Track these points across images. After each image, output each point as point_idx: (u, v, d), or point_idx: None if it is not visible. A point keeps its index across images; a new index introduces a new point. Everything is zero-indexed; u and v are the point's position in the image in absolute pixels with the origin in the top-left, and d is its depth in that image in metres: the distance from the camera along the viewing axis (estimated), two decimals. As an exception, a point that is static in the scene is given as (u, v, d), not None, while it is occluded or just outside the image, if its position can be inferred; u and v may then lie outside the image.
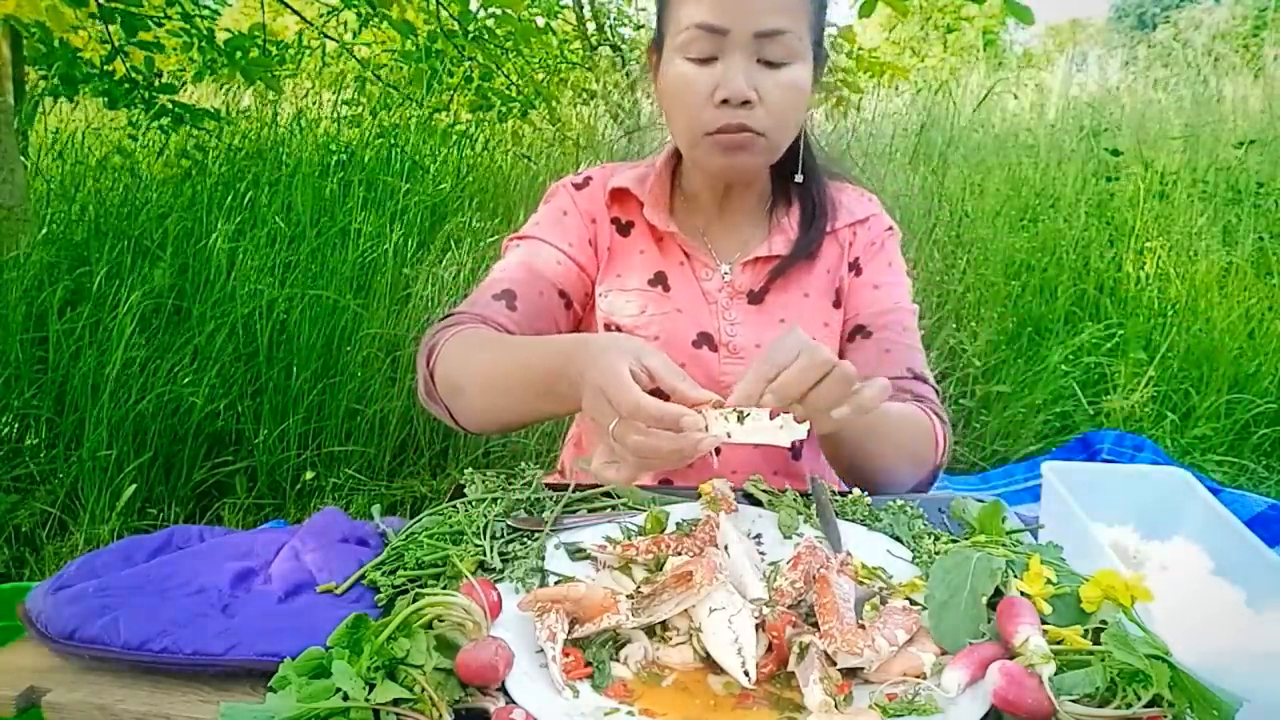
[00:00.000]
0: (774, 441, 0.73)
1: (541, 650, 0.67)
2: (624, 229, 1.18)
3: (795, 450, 1.19)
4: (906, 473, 1.05)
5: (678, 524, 0.88)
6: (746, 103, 0.99)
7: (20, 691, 0.69)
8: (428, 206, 3.48)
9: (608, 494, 0.94)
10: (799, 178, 1.13)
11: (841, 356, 1.15)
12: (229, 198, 3.08)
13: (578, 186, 1.20)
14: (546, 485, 0.96)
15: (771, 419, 0.72)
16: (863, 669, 0.67)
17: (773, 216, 1.18)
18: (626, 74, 5.16)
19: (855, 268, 1.18)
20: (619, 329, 1.15)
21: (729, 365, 1.13)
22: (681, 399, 0.73)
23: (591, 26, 5.51)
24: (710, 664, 0.70)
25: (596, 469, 0.73)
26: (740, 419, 0.72)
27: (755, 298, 1.15)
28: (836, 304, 1.17)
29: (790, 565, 0.77)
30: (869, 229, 1.20)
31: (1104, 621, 0.68)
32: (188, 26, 3.81)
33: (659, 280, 1.15)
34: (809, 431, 0.76)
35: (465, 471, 0.97)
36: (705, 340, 1.13)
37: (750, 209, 1.17)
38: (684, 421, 0.68)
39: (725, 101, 0.99)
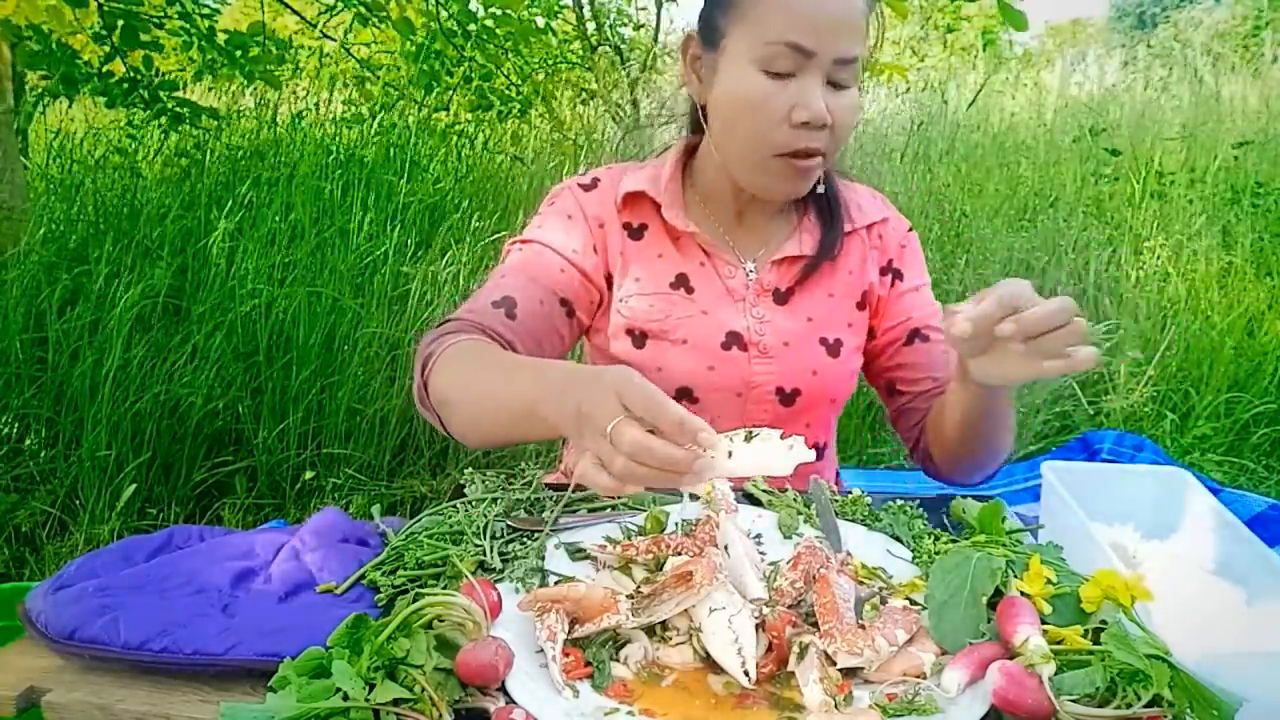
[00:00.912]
0: (777, 467, 0.70)
1: (541, 650, 0.67)
2: (636, 233, 1.15)
3: None
4: (1006, 445, 1.07)
5: (678, 524, 0.88)
6: (823, 125, 1.00)
7: (20, 691, 0.69)
8: (427, 206, 3.48)
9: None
10: (820, 188, 1.12)
11: (891, 361, 1.18)
12: (228, 198, 3.08)
13: (585, 188, 1.17)
14: (546, 485, 0.96)
15: (782, 439, 0.70)
16: (863, 669, 0.67)
17: (796, 216, 1.18)
18: (626, 74, 5.15)
19: (893, 273, 1.19)
20: (643, 334, 1.13)
21: (759, 365, 1.12)
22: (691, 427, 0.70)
23: (591, 26, 5.51)
24: (710, 664, 0.70)
25: (584, 470, 0.71)
26: (749, 438, 0.69)
27: (781, 297, 1.14)
28: (860, 305, 1.17)
29: (790, 565, 0.77)
30: (893, 230, 1.20)
31: (1104, 621, 0.68)
32: (187, 26, 3.80)
33: (680, 282, 1.13)
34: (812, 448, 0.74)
35: (465, 471, 0.97)
36: (734, 340, 1.12)
37: (772, 211, 1.17)
38: (701, 437, 0.66)
39: (805, 124, 0.99)
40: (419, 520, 0.88)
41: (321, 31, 4.31)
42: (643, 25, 5.81)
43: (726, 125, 1.05)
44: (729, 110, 1.03)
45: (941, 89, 6.11)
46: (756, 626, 0.70)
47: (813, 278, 1.15)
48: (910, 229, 1.22)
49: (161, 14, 3.65)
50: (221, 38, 3.82)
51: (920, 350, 1.16)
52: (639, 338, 1.13)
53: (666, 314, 1.12)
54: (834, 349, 1.14)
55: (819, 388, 1.14)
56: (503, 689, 0.64)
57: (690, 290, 1.13)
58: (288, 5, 3.92)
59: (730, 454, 0.69)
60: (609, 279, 1.15)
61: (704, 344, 1.12)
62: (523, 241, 1.15)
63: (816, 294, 1.15)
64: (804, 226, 1.16)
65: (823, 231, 1.15)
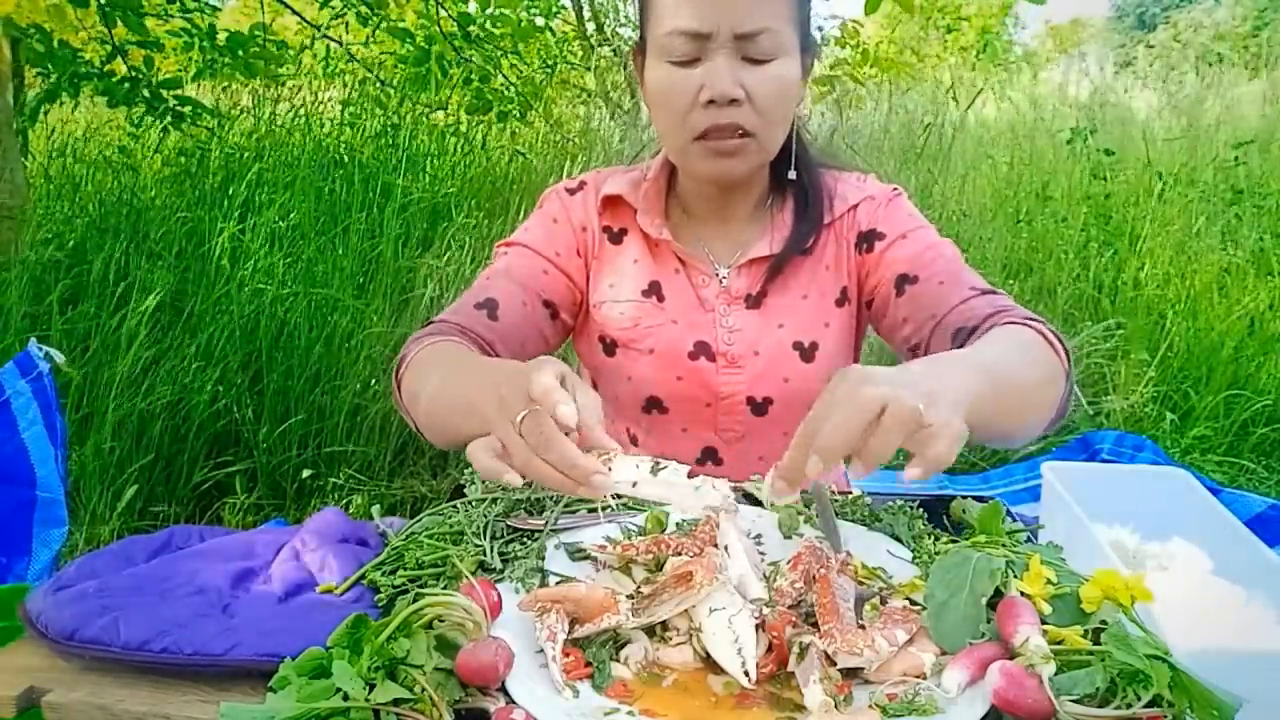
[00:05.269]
0: (684, 504, 0.70)
1: (541, 650, 0.67)
2: (616, 237, 1.15)
3: None
4: (1050, 399, 0.88)
5: (678, 524, 0.88)
6: (734, 101, 0.97)
7: (20, 691, 0.69)
8: (427, 206, 3.49)
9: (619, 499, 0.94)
10: (792, 174, 1.10)
11: (896, 319, 1.07)
12: (230, 197, 3.09)
13: (570, 191, 1.17)
14: (546, 485, 0.96)
15: (690, 477, 0.70)
16: (863, 669, 0.67)
17: (770, 215, 1.14)
18: (626, 74, 5.16)
19: (872, 236, 1.11)
20: (614, 342, 1.13)
21: (727, 375, 1.11)
22: (590, 441, 0.70)
23: (591, 26, 5.52)
24: (710, 664, 0.70)
25: (473, 449, 0.71)
26: (655, 470, 0.69)
27: (753, 301, 1.12)
28: (840, 302, 1.13)
29: (790, 565, 0.77)
30: (871, 202, 1.13)
31: (1104, 621, 0.68)
32: (188, 25, 3.81)
33: (653, 290, 1.12)
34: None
35: (465, 471, 0.97)
36: (702, 350, 1.11)
37: (748, 211, 1.14)
38: (594, 480, 0.66)
39: (712, 102, 0.97)
40: (419, 520, 0.88)
41: (324, 34, 4.31)
42: (642, 25, 5.79)
43: (655, 121, 1.06)
44: (651, 106, 1.05)
45: (943, 88, 6.11)
46: (756, 626, 0.70)
47: (785, 279, 1.11)
48: (895, 190, 1.15)
49: (162, 11, 3.65)
50: (222, 37, 3.83)
51: (913, 295, 1.05)
52: (609, 345, 1.14)
53: (635, 322, 1.12)
54: (809, 353, 1.11)
55: (792, 396, 1.11)
56: (503, 689, 0.64)
57: (661, 299, 1.12)
58: (288, 5, 3.92)
59: (635, 483, 0.69)
60: (591, 283, 1.15)
61: (671, 354, 1.11)
62: (508, 245, 1.15)
63: (790, 296, 1.12)
64: (776, 225, 1.12)
65: (794, 227, 1.11)
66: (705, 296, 1.12)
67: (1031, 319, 0.93)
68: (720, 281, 1.12)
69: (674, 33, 0.97)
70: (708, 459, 1.15)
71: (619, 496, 0.86)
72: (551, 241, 1.14)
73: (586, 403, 0.72)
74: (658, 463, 0.70)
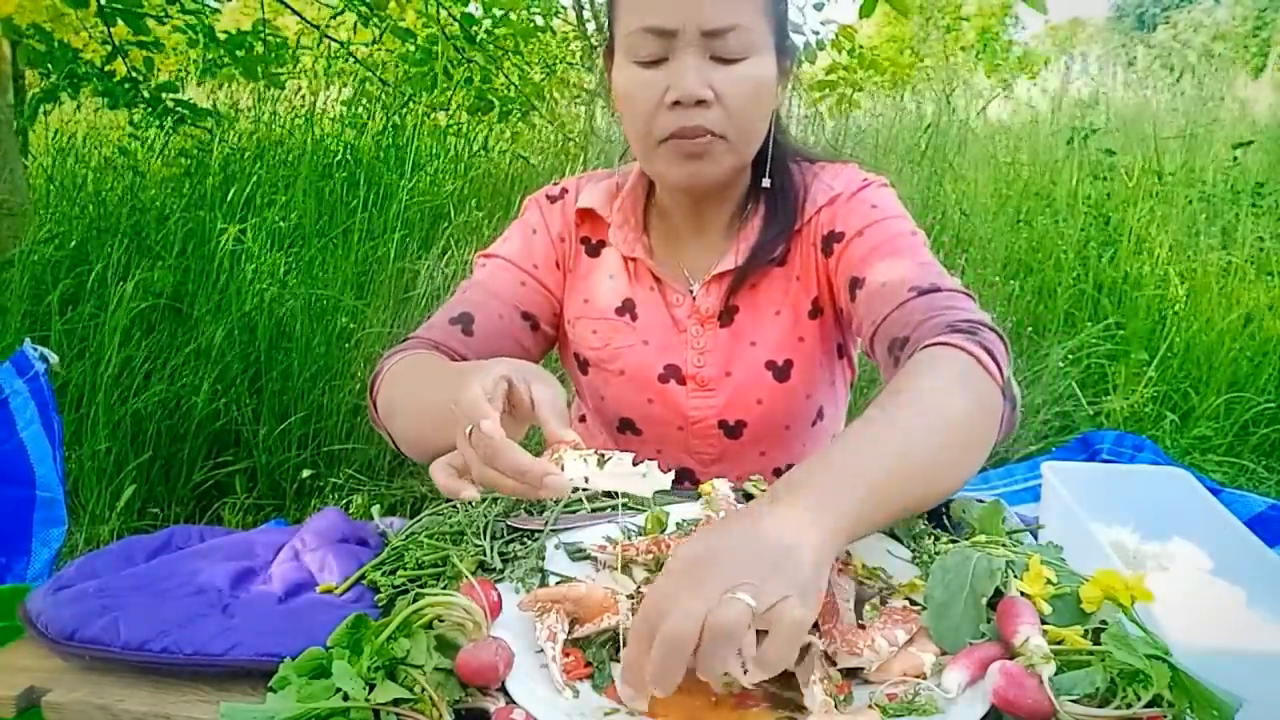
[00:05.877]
0: (635, 491, 0.71)
1: (541, 650, 0.67)
2: (594, 250, 1.11)
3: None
4: (984, 437, 0.80)
5: (678, 524, 0.88)
6: (701, 102, 0.91)
7: (20, 691, 0.69)
8: (428, 206, 3.49)
9: (609, 494, 0.94)
10: (766, 182, 1.03)
11: (857, 322, 1.00)
12: (230, 198, 3.09)
13: (552, 199, 1.13)
14: (547, 485, 0.96)
15: (635, 465, 0.70)
16: (863, 669, 0.67)
17: (743, 225, 1.06)
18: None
19: (832, 239, 1.02)
20: (587, 361, 1.10)
21: (697, 399, 1.07)
22: (547, 435, 0.70)
23: (591, 26, 5.52)
24: (710, 664, 0.69)
25: (433, 466, 0.71)
26: (601, 463, 0.70)
27: (727, 319, 1.06)
28: (812, 314, 1.06)
29: (790, 565, 0.77)
30: (836, 200, 1.04)
31: (1104, 621, 0.68)
32: (191, 21, 3.81)
33: (626, 308, 1.08)
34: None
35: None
36: (672, 373, 1.07)
37: (725, 222, 1.07)
38: (548, 482, 0.66)
39: (678, 103, 0.91)
40: (419, 520, 0.88)
41: (325, 34, 4.31)
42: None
43: (624, 124, 1.01)
44: (620, 108, 1.00)
45: (944, 88, 6.12)
46: (757, 627, 0.70)
47: (756, 294, 1.06)
48: (865, 183, 1.05)
49: (162, 12, 3.66)
50: (222, 37, 3.84)
51: (861, 299, 0.97)
52: (583, 363, 1.12)
53: (607, 342, 1.09)
54: (783, 372, 1.06)
55: (766, 417, 1.07)
56: (503, 689, 0.64)
57: (635, 317, 1.09)
58: (288, 5, 3.93)
59: (586, 479, 0.70)
60: (567, 297, 1.13)
61: (642, 376, 1.08)
62: (487, 256, 1.13)
63: (762, 313, 1.06)
64: (743, 236, 1.05)
65: (760, 236, 1.04)
66: (678, 316, 1.08)
67: (959, 328, 0.83)
68: (694, 298, 1.07)
69: (639, 30, 0.92)
70: (684, 480, 1.12)
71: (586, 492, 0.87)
72: (530, 253, 1.10)
73: (543, 397, 0.71)
74: (603, 455, 0.70)
